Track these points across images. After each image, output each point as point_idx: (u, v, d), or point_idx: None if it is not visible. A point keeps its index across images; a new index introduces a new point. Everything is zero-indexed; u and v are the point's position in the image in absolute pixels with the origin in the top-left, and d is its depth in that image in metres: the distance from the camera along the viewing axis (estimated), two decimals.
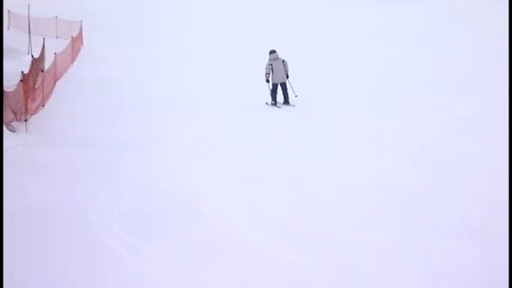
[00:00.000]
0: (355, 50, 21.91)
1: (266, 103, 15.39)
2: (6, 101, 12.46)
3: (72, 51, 21.72)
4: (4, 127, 12.10)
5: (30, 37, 22.54)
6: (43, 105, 14.81)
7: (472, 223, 7.74)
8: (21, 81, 13.09)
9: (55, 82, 17.30)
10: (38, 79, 14.99)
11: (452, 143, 11.44)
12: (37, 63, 15.98)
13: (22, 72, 13.37)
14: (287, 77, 15.24)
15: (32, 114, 13.58)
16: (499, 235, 7.17)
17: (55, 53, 17.78)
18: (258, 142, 12.23)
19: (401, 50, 20.97)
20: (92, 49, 23.87)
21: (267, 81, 15.25)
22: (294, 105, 15.18)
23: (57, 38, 25.12)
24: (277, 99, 15.34)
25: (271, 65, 15.15)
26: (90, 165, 10.55)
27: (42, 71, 15.87)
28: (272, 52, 15.34)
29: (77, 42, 23.37)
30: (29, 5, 24.41)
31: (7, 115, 12.50)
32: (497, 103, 13.08)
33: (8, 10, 27.95)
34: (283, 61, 15.23)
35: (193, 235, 7.58)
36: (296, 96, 15.35)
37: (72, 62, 21.08)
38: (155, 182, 9.60)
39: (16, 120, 12.91)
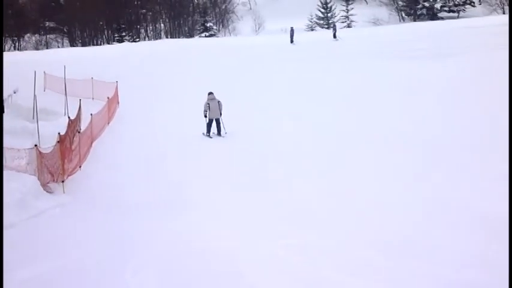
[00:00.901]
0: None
1: (203, 133, 19.21)
2: (43, 162, 13.00)
3: (109, 111, 22.49)
4: (42, 188, 12.61)
5: (66, 98, 23.40)
6: (80, 166, 15.33)
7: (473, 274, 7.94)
8: (58, 142, 13.64)
9: (92, 143, 17.89)
10: (74, 140, 15.57)
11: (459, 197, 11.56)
12: (73, 124, 16.60)
13: (59, 133, 13.97)
14: (220, 114, 19.14)
15: (68, 175, 14.06)
16: None
17: (91, 114, 18.44)
18: (286, 197, 12.39)
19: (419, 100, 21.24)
20: (127, 109, 24.60)
21: (205, 116, 19.13)
22: (223, 136, 18.93)
23: (93, 99, 25.99)
24: (212, 131, 19.09)
25: (208, 103, 19.10)
26: (126, 228, 10.81)
27: (79, 132, 16.48)
28: (210, 93, 19.37)
29: (113, 102, 24.19)
30: (65, 66, 25.64)
31: (44, 176, 13.01)
32: None
33: (44, 72, 29.23)
34: (218, 101, 19.19)
35: None
36: (226, 133, 19.05)
37: (108, 123, 21.81)
38: (192, 241, 9.75)
39: (53, 181, 13.42)
